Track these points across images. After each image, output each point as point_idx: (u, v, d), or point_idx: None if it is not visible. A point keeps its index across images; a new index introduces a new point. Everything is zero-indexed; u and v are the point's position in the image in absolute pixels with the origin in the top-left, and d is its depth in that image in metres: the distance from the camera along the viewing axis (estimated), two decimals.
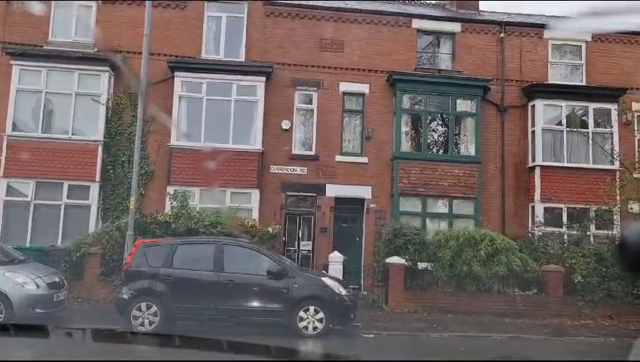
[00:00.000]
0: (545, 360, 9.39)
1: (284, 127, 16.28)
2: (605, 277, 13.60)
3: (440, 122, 16.91)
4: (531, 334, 11.08)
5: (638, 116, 17.42)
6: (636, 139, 17.41)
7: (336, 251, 14.12)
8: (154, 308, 9.26)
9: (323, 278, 10.02)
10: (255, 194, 15.50)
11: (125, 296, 9.40)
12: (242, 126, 15.71)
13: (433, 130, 16.86)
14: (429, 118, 16.67)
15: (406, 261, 13.42)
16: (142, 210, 14.58)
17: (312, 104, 16.70)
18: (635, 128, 17.46)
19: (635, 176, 15.13)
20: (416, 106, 16.71)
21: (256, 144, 15.70)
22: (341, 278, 13.06)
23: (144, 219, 13.31)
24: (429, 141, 16.61)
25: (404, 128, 16.55)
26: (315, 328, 9.41)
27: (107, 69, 15.47)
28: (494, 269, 13.04)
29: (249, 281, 9.57)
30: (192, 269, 9.64)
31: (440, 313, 12.76)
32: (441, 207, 16.26)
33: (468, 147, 16.69)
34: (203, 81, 15.68)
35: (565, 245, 14.79)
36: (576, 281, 13.27)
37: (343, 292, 9.80)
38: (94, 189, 14.99)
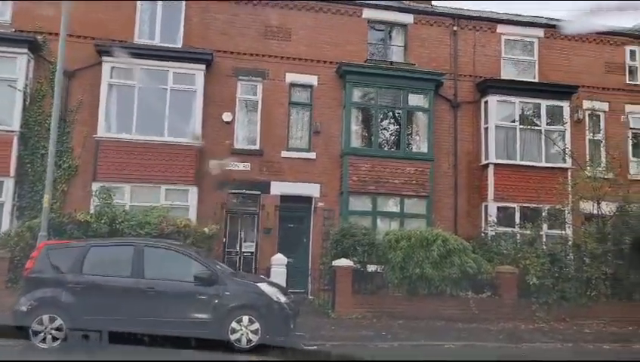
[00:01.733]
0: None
1: (225, 120, 15.09)
2: (559, 279, 13.12)
3: (392, 117, 16.10)
4: (486, 341, 10.35)
5: (589, 114, 17.20)
6: (587, 138, 17.19)
7: (279, 253, 13.03)
8: (58, 322, 7.88)
9: (259, 284, 8.87)
10: (193, 191, 14.22)
11: (24, 308, 7.99)
12: (179, 117, 14.41)
13: (384, 126, 16.03)
14: (380, 112, 15.84)
15: (354, 263, 12.49)
16: (63, 209, 13.11)
17: (256, 95, 15.56)
18: (586, 127, 17.25)
19: (587, 174, 14.81)
20: (366, 100, 15.85)
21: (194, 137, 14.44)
22: (284, 282, 12.07)
23: (61, 219, 11.81)
24: (380, 137, 15.77)
25: (354, 123, 15.66)
26: (249, 341, 8.28)
27: (25, 51, 13.87)
28: (447, 271, 12.28)
29: (173, 289, 8.35)
30: (106, 275, 8.33)
31: (390, 319, 11.89)
32: (392, 205, 15.45)
33: (420, 144, 15.96)
34: (135, 68, 14.27)
35: (519, 245, 14.26)
36: (531, 283, 12.70)
37: (282, 299, 8.72)
38: (8, 185, 13.35)
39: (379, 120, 15.76)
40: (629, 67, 17.83)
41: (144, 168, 13.90)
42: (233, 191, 15.03)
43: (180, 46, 15.08)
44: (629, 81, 17.72)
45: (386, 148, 15.78)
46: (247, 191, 15.12)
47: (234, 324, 8.29)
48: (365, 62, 15.93)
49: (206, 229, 12.49)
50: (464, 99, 16.52)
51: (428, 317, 12.00)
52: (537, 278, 12.73)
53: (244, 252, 15.04)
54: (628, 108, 17.47)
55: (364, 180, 15.17)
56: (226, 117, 15.08)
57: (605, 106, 17.27)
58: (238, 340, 8.25)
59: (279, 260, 12.56)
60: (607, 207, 14.54)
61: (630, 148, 17.35)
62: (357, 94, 15.69)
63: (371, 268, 13.02)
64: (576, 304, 13.03)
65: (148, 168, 13.92)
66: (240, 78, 15.44)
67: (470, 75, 16.67)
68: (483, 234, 15.28)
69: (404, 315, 12.02)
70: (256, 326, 8.30)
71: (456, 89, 16.48)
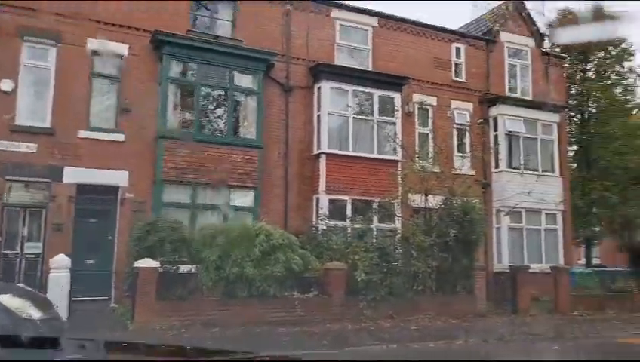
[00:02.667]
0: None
1: (4, 89, 12.05)
2: (388, 274, 12.51)
3: (216, 98, 14.30)
4: (309, 347, 9.12)
5: (418, 108, 17.18)
6: (417, 131, 17.16)
7: (62, 254, 10.43)
8: None
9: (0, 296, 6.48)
10: None
11: None
12: None
13: (208, 107, 14.19)
14: (203, 91, 13.96)
15: (161, 264, 10.50)
16: None
17: (47, 62, 12.71)
18: (416, 120, 17.22)
19: (416, 166, 14.55)
20: (187, 76, 13.88)
21: None
22: (67, 290, 9.65)
23: None
24: (202, 119, 13.91)
25: (172, 102, 13.60)
26: None
27: None
28: (270, 270, 10.91)
29: None
30: None
31: (203, 328, 10.12)
32: (215, 197, 13.68)
33: (248, 129, 14.43)
34: None
35: (349, 240, 13.45)
36: (359, 279, 11.86)
37: (37, 315, 6.45)
38: None
39: (201, 100, 13.88)
40: (455, 64, 18.24)
41: None
42: (12, 178, 12.04)
43: None
44: (455, 78, 18.11)
45: (208, 133, 13.97)
46: (32, 179, 12.23)
47: None
48: (186, 33, 13.94)
49: None
50: (297, 84, 15.37)
51: (248, 323, 10.49)
52: (366, 274, 11.95)
53: (26, 253, 12.12)
54: (453, 104, 17.83)
55: (182, 168, 13.19)
56: (6, 85, 12.06)
57: (433, 101, 17.40)
58: None
59: (60, 263, 10.03)
60: (434, 200, 14.40)
61: (455, 143, 17.75)
62: (175, 69, 13.64)
63: (185, 268, 11.15)
64: (404, 299, 12.56)
65: None
66: (26, 39, 12.48)
67: (304, 59, 15.56)
68: (314, 229, 14.23)
69: (220, 322, 10.34)
70: None
71: (288, 72, 15.25)
